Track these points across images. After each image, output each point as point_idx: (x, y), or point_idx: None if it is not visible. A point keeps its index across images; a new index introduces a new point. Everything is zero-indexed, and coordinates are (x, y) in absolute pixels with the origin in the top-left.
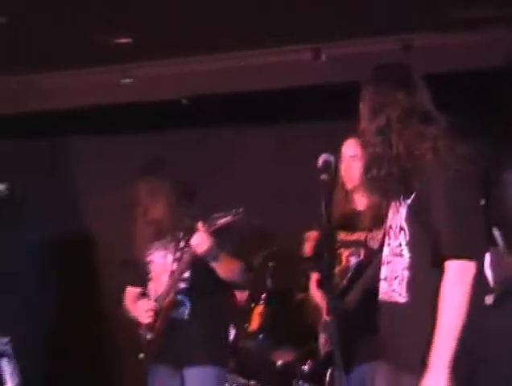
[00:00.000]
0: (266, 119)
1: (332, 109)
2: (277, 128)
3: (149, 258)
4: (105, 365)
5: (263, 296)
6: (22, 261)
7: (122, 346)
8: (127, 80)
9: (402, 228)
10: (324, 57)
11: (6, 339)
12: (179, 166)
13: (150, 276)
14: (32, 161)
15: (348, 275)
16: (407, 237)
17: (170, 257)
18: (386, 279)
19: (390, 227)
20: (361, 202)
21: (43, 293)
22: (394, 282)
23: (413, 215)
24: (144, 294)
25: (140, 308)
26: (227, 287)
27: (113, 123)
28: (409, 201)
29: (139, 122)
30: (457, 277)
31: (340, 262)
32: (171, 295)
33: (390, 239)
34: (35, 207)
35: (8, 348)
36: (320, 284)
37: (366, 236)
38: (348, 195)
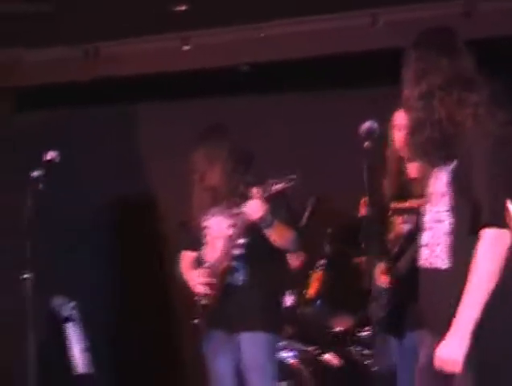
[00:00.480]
0: (324, 85)
1: (389, 75)
2: (334, 94)
3: (205, 223)
4: (166, 329)
5: (321, 262)
6: (87, 227)
7: (181, 310)
8: (186, 47)
9: (443, 194)
10: (381, 22)
11: (72, 304)
12: (237, 132)
13: (205, 241)
14: (93, 127)
15: (400, 242)
16: (448, 203)
17: (226, 223)
18: (427, 245)
19: (431, 193)
20: (413, 170)
21: (107, 258)
22: (436, 248)
23: (454, 182)
24: (199, 259)
25: (194, 277)
26: (282, 254)
27: (172, 90)
28: (450, 167)
29: (198, 89)
30: (491, 245)
31: (393, 229)
32: (227, 261)
33: (431, 205)
34: (99, 172)
35: (74, 313)
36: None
37: (419, 204)
38: (401, 163)
